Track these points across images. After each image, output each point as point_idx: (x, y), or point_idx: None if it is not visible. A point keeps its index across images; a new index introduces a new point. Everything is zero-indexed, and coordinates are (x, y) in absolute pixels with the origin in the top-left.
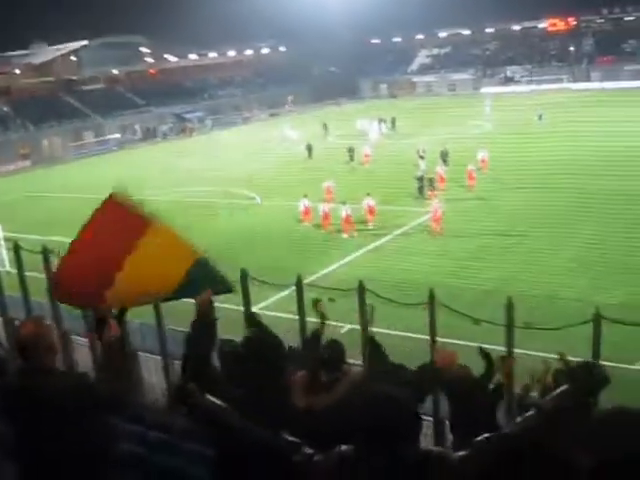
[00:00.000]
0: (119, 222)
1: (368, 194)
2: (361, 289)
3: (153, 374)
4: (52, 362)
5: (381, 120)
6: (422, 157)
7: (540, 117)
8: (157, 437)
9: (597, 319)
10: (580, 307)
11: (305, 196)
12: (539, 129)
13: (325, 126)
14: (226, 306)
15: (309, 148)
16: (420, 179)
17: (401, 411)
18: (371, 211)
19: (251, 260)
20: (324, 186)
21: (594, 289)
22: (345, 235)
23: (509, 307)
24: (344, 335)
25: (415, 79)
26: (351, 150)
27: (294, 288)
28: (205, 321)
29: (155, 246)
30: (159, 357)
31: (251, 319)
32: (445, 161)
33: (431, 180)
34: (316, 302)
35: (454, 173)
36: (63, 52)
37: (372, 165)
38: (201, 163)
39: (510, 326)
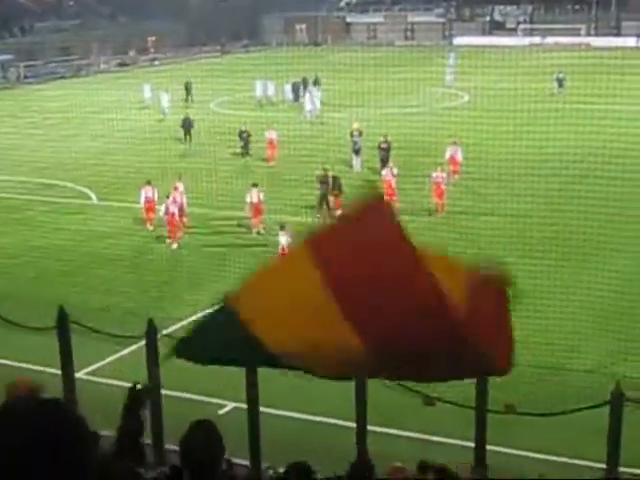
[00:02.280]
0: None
1: (254, 185)
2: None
3: None
4: None
5: (301, 83)
6: (357, 151)
7: (560, 82)
8: None
9: (618, 400)
10: (595, 382)
11: (148, 183)
12: (556, 104)
13: (188, 86)
14: (33, 367)
15: (187, 124)
16: (323, 183)
17: None
18: (257, 210)
19: (76, 296)
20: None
21: (616, 355)
22: (169, 240)
23: (481, 379)
24: (223, 418)
25: (350, 19)
26: (245, 136)
27: (144, 342)
28: None
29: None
30: None
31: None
32: (385, 161)
33: (335, 181)
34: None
35: (406, 181)
36: None
37: (280, 162)
38: (1, 138)
39: (482, 409)
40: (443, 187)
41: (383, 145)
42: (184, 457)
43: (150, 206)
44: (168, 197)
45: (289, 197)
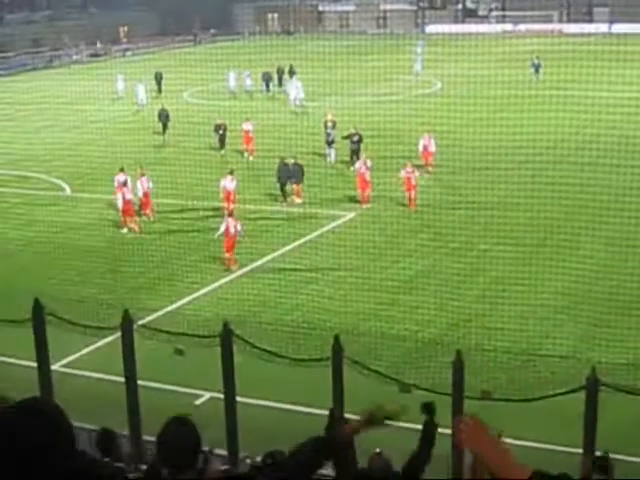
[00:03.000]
0: None
1: (230, 172)
2: (227, 336)
3: None
4: None
5: (276, 72)
6: (331, 142)
7: (537, 68)
8: None
9: (593, 385)
10: (570, 367)
11: (122, 170)
12: (529, 90)
13: (158, 77)
14: (9, 360)
15: (163, 116)
16: (282, 172)
17: None
18: (228, 197)
19: (52, 288)
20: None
21: (591, 341)
22: (124, 230)
23: (458, 367)
24: (200, 408)
25: (323, 7)
26: (220, 129)
27: (119, 333)
28: None
29: None
30: None
31: None
32: (356, 153)
33: (296, 168)
34: None
35: (380, 168)
36: None
37: (257, 153)
38: None
39: (458, 396)
40: (414, 182)
41: (353, 137)
42: (161, 454)
43: (125, 201)
44: (126, 185)
45: (265, 187)
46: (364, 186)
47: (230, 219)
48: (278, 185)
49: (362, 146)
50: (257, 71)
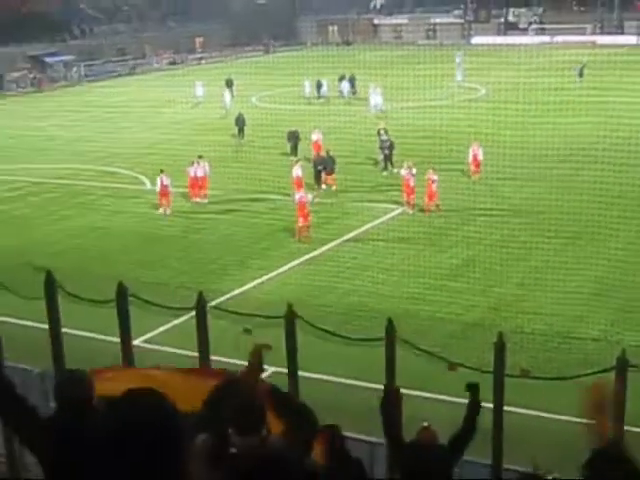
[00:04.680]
0: None
1: (297, 161)
2: (290, 317)
3: None
4: None
5: (339, 79)
6: (385, 149)
7: (581, 72)
8: None
9: (622, 366)
10: (602, 349)
11: (162, 171)
12: (565, 97)
13: (230, 83)
14: (96, 336)
15: (240, 121)
16: (318, 164)
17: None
18: (298, 182)
19: (133, 271)
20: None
21: (622, 325)
22: (160, 210)
23: (499, 347)
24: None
25: (378, 21)
26: (294, 137)
27: (194, 313)
28: None
29: None
30: None
31: None
32: (389, 160)
33: (330, 160)
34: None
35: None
36: None
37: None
38: (64, 130)
39: (499, 374)
40: (434, 189)
41: (385, 144)
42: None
43: (164, 192)
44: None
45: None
46: (409, 192)
47: (300, 190)
48: (314, 173)
49: (395, 152)
50: (327, 78)
